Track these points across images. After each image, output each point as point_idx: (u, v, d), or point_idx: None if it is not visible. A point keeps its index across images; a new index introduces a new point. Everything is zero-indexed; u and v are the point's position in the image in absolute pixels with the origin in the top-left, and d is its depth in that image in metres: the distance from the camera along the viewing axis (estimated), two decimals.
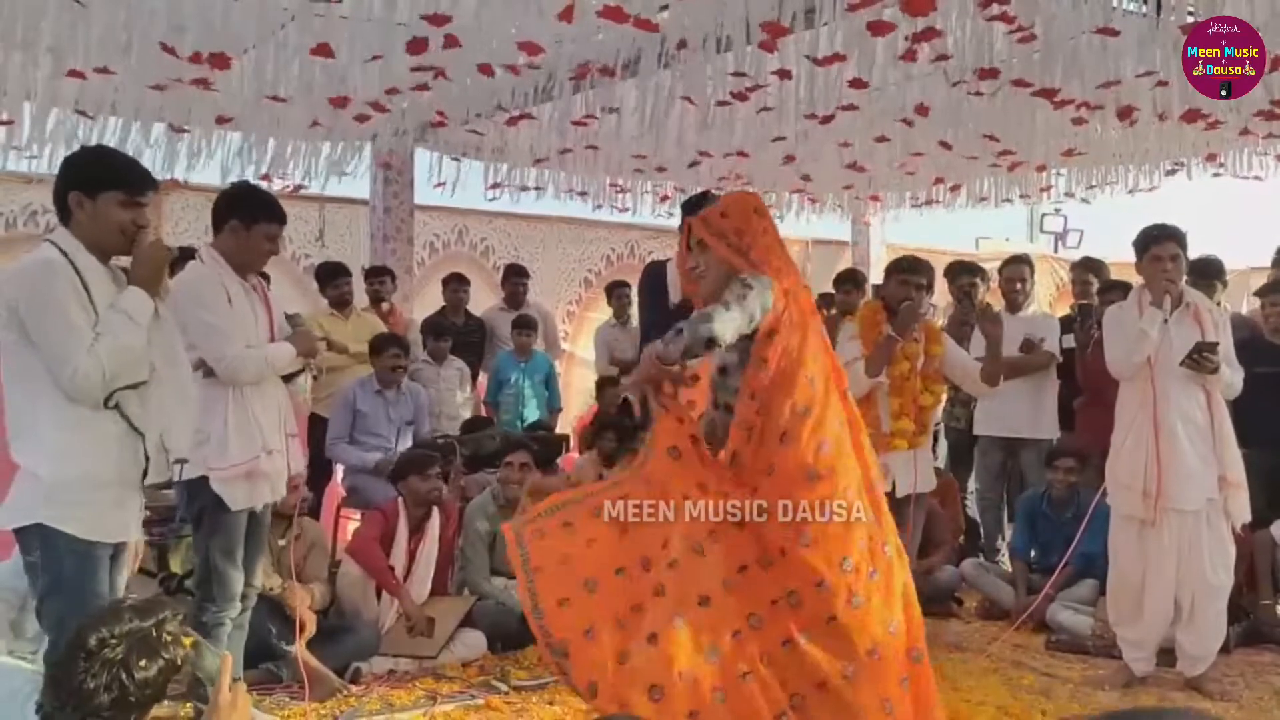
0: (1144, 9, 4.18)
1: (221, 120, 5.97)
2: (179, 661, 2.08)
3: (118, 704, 2.01)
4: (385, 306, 6.98)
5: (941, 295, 6.92)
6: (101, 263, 3.07)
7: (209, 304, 3.59)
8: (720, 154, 7.16)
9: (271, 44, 4.78)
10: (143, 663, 2.03)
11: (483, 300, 8.12)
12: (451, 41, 4.42)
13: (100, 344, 2.92)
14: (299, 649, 4.30)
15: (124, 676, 2.00)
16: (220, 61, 4.72)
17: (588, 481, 5.04)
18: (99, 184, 3.04)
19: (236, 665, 3.93)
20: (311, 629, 4.48)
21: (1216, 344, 4.29)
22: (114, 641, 2.03)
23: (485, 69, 4.96)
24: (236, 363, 3.61)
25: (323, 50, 4.61)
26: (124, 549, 3.18)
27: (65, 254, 2.97)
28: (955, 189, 8.50)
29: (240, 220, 3.70)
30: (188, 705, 3.67)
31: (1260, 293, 5.92)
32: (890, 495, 4.41)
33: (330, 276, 6.58)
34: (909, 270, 4.75)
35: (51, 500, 2.90)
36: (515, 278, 7.80)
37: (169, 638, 2.08)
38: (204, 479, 3.55)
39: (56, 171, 3.18)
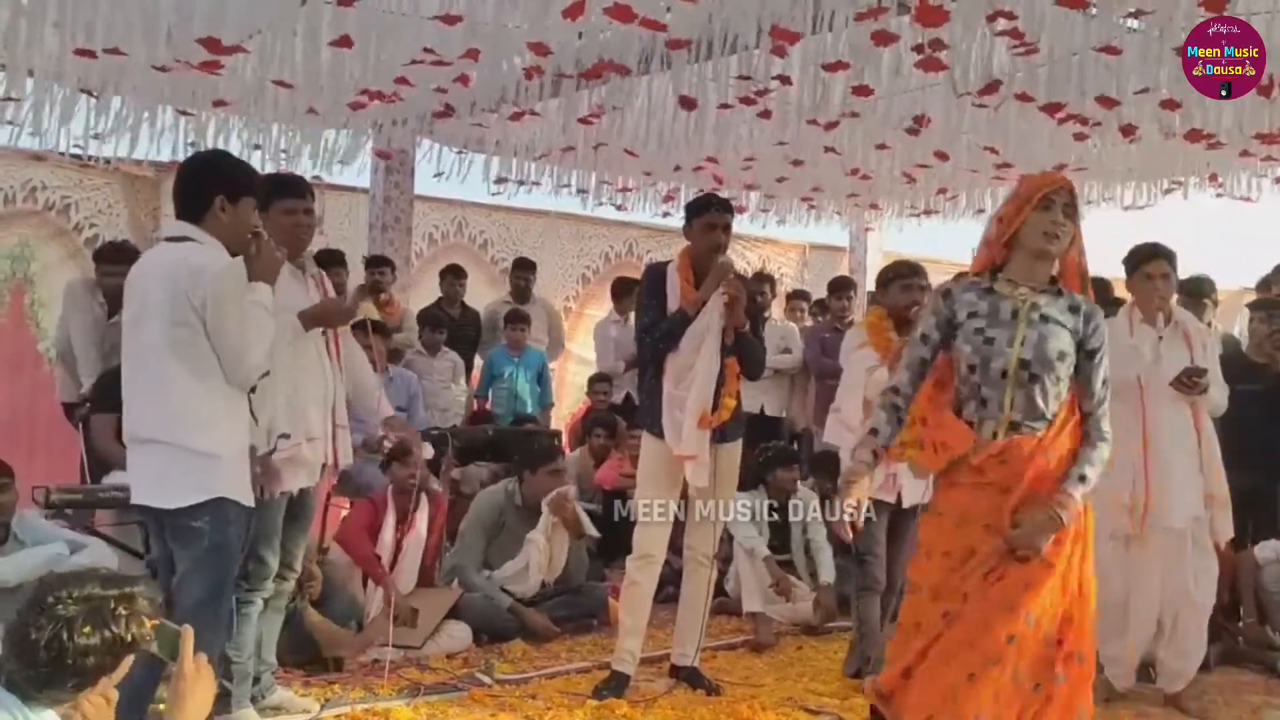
0: (1139, 24, 4.20)
1: (219, 104, 5.96)
2: (129, 639, 2.03)
3: (55, 664, 1.98)
4: (384, 297, 6.97)
5: None
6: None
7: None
8: (725, 156, 7.17)
9: (279, 30, 4.78)
10: (86, 629, 1.99)
11: (479, 294, 8.10)
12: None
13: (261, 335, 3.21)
14: None
15: (64, 636, 1.97)
16: (222, 49, 4.72)
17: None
18: (242, 190, 3.26)
19: (269, 647, 3.99)
20: None
21: (1205, 370, 4.31)
22: (69, 601, 2.01)
23: (471, 53, 4.95)
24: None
25: (342, 42, 4.63)
26: None
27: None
28: (954, 198, 8.53)
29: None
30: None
31: (1251, 305, 5.96)
32: (896, 505, 4.43)
33: (325, 265, 6.54)
34: (910, 274, 4.60)
35: (228, 475, 3.18)
36: (520, 271, 7.73)
37: (124, 613, 2.03)
38: None
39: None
